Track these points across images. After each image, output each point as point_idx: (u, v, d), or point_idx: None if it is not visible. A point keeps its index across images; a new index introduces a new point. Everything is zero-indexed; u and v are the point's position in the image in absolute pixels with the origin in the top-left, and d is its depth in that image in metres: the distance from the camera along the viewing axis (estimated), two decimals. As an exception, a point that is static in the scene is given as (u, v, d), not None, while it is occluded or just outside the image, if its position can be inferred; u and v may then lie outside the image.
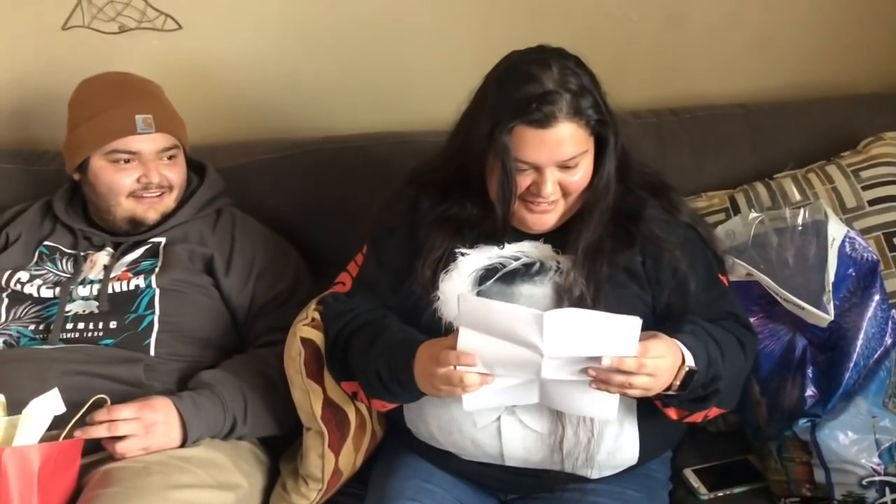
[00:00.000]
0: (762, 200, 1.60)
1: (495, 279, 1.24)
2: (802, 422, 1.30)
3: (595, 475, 1.27)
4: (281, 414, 1.41)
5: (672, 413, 1.21)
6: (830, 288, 1.27)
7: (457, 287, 1.24)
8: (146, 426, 1.30)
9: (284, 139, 1.84)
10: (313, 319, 1.34)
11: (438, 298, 1.25)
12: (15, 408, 1.23)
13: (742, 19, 1.88)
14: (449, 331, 1.22)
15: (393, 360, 1.21)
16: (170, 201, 1.56)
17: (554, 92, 1.17)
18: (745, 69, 1.90)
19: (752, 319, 1.35)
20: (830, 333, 1.29)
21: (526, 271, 1.24)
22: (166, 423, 1.32)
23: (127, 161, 1.52)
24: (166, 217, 1.56)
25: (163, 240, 1.55)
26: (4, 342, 1.46)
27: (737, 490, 1.39)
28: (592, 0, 1.87)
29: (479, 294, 1.23)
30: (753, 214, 1.41)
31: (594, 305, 1.18)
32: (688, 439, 1.49)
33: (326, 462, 1.33)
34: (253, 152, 1.80)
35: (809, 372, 1.31)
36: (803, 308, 1.27)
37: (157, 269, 1.51)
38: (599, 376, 1.07)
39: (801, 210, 1.37)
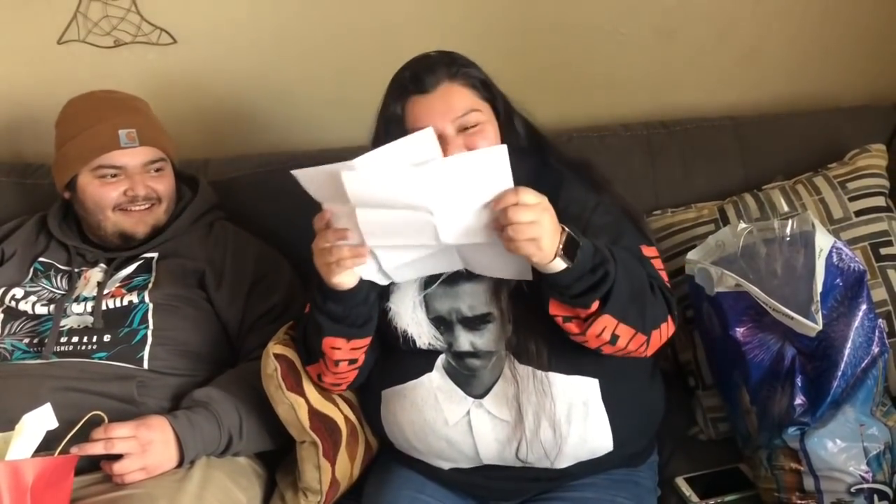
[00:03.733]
0: (751, 211, 1.61)
1: (439, 283, 1.27)
2: (792, 430, 1.31)
3: (567, 463, 1.26)
4: (276, 428, 1.40)
5: (555, 307, 1.16)
6: (818, 298, 1.28)
7: (405, 296, 1.27)
8: (143, 445, 1.29)
9: (278, 153, 1.85)
10: (285, 341, 1.36)
11: (391, 309, 1.29)
12: (7, 425, 1.22)
13: (731, 34, 1.90)
14: (405, 339, 1.27)
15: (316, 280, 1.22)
16: (160, 213, 1.56)
17: (432, 63, 1.27)
18: (734, 82, 1.92)
19: (741, 329, 1.36)
20: (819, 343, 1.30)
21: (467, 272, 1.24)
22: (163, 441, 1.31)
23: (114, 175, 1.53)
24: (158, 231, 1.57)
25: (155, 255, 1.56)
26: (-1, 355, 1.47)
27: (728, 498, 1.39)
28: (583, 14, 1.89)
29: (425, 297, 1.27)
30: (742, 225, 1.42)
31: (529, 290, 1.19)
32: (679, 448, 1.50)
33: (323, 473, 1.33)
34: (246, 166, 1.81)
35: (798, 381, 1.32)
36: (792, 318, 1.28)
37: (150, 285, 1.51)
38: (498, 224, 1.07)
39: (790, 221, 1.38)
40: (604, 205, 1.29)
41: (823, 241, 1.35)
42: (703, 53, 1.91)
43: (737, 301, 1.36)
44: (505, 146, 1.08)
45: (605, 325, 1.15)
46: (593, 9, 1.88)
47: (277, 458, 1.47)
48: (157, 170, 1.57)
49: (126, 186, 1.53)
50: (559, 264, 1.11)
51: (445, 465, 1.31)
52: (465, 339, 1.27)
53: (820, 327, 1.27)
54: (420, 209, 1.08)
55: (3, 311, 1.52)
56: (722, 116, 1.83)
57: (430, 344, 1.27)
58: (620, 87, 1.92)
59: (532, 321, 1.22)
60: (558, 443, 1.24)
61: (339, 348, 1.25)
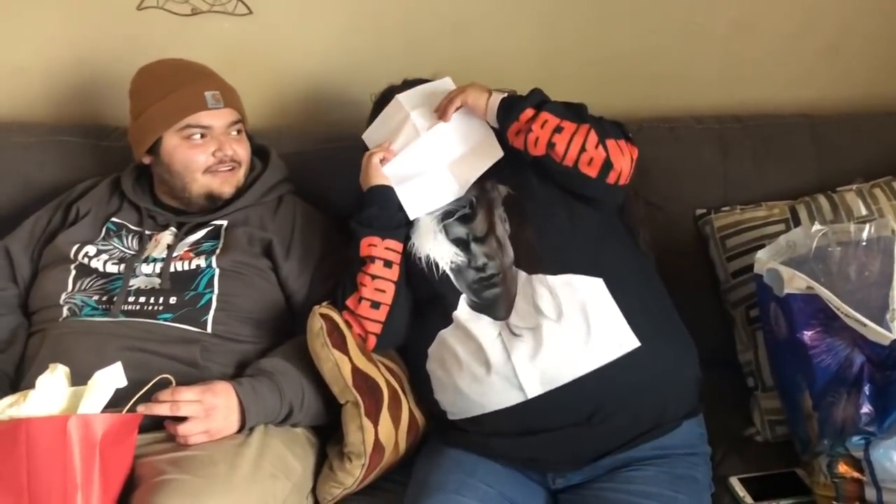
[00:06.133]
0: (824, 213, 1.58)
1: (455, 218, 1.48)
2: (856, 439, 1.28)
3: (599, 359, 1.32)
4: (332, 404, 1.42)
5: (511, 136, 1.45)
6: (895, 306, 1.25)
7: (425, 230, 1.48)
8: (207, 409, 1.32)
9: (345, 129, 1.85)
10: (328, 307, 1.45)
11: (413, 245, 1.47)
12: (75, 379, 1.26)
13: (812, 28, 1.85)
14: (428, 266, 1.44)
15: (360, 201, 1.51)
16: (241, 175, 1.60)
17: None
18: (812, 79, 1.88)
19: (809, 332, 1.33)
20: (890, 352, 1.26)
21: (473, 213, 1.49)
22: (227, 408, 1.34)
23: (201, 136, 1.56)
24: (230, 200, 1.60)
25: (224, 222, 1.59)
26: (69, 310, 1.51)
27: (782, 502, 1.37)
28: (659, 4, 1.86)
29: (444, 227, 1.48)
30: (817, 227, 1.39)
31: (522, 199, 1.46)
32: (734, 447, 1.49)
33: (366, 433, 1.35)
34: (315, 140, 1.82)
35: (866, 389, 1.28)
36: (866, 325, 1.25)
37: (217, 251, 1.54)
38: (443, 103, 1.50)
39: (867, 225, 1.34)
40: None
41: (903, 248, 1.31)
42: (781, 48, 1.87)
43: (807, 304, 1.33)
44: (449, 78, 1.56)
45: (546, 119, 1.41)
46: (670, -3, 1.85)
47: (330, 431, 1.49)
48: (238, 131, 1.60)
49: (214, 147, 1.56)
50: (496, 97, 1.47)
51: (489, 406, 1.34)
52: (480, 252, 1.44)
53: (895, 336, 1.24)
54: (406, 116, 1.52)
55: (75, 268, 1.56)
56: (798, 114, 1.79)
57: (451, 262, 1.43)
58: (693, 78, 1.89)
59: (527, 235, 1.42)
60: (579, 330, 1.32)
61: (375, 245, 1.45)
